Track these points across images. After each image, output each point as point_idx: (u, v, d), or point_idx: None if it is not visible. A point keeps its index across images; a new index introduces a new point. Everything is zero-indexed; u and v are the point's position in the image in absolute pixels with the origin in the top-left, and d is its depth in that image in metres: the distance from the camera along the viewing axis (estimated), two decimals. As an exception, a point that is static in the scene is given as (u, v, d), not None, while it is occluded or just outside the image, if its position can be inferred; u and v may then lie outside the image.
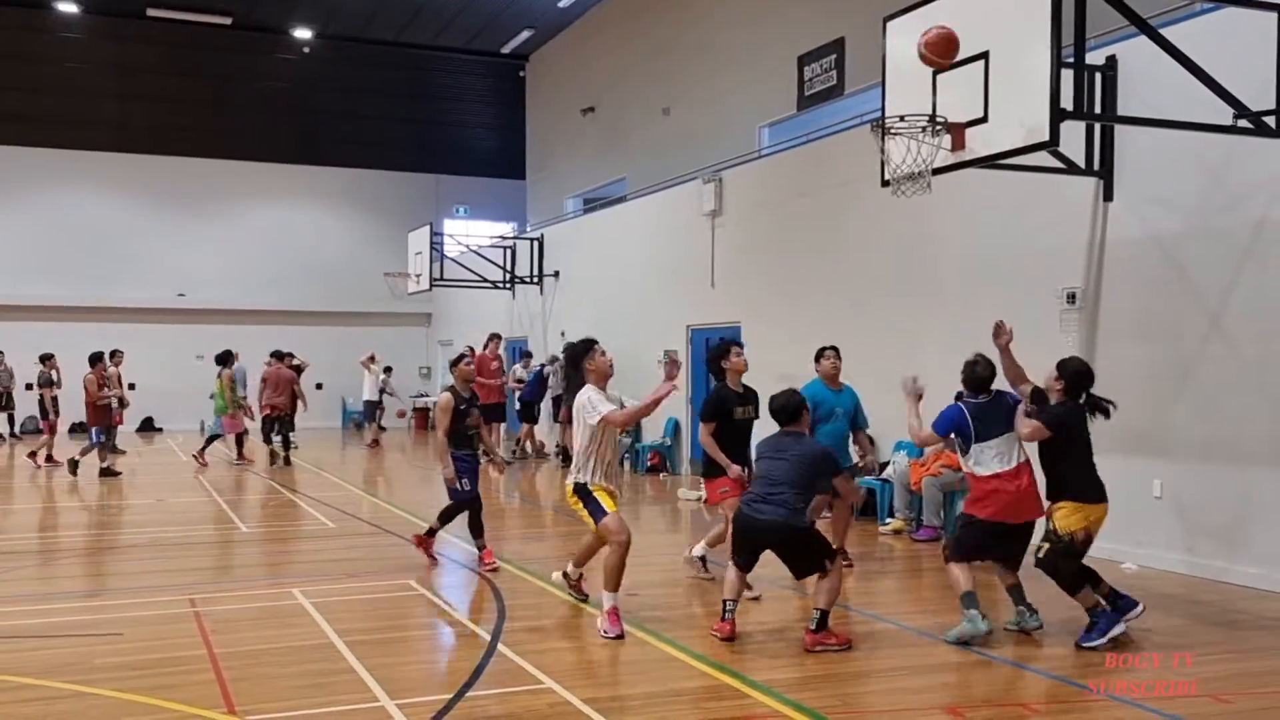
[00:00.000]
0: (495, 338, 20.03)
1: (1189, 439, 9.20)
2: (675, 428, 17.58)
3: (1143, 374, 9.56)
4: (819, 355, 9.56)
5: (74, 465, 16.69)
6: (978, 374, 7.17)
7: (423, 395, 28.43)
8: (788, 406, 7.21)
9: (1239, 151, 8.68)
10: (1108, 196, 9.95)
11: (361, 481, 16.77)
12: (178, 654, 6.59)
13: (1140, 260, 9.67)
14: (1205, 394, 9.08)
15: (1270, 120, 8.26)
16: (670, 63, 22.10)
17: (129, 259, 26.96)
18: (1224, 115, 8.17)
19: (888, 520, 11.71)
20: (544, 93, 29.08)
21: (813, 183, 14.34)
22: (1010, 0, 7.82)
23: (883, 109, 8.82)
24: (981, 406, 7.12)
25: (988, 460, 7.01)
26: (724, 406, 8.44)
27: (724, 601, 7.02)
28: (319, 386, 26.63)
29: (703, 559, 9.01)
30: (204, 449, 18.68)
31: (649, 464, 17.39)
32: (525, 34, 27.77)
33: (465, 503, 9.36)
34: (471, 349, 18.39)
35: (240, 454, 19.23)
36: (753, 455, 7.75)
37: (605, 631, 6.98)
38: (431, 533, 9.68)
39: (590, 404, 7.26)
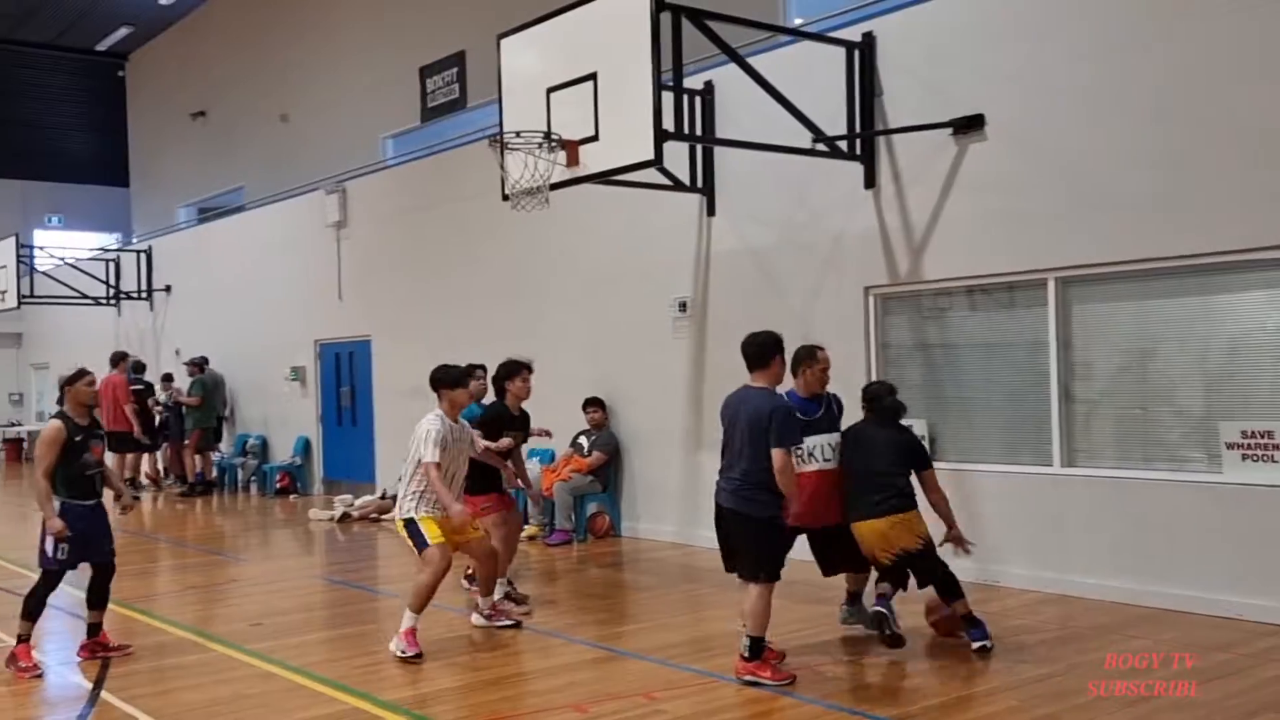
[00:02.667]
0: (124, 356, 18.14)
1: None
2: (306, 446, 16.97)
3: (745, 376, 10.33)
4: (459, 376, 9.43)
5: None
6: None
7: (14, 424, 25.65)
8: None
9: (818, 172, 9.62)
10: (710, 212, 10.70)
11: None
12: None
13: (739, 270, 10.47)
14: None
15: (842, 144, 9.23)
16: (287, 68, 21.29)
17: None
18: (804, 139, 9.03)
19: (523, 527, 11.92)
20: (147, 95, 27.08)
21: (439, 195, 14.35)
22: (615, 24, 8.20)
23: (500, 125, 9.00)
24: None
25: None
26: (503, 425, 8.25)
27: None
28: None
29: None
30: None
31: (278, 485, 16.67)
32: (123, 31, 25.67)
33: (56, 577, 6.93)
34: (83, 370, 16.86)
35: None
36: None
37: (403, 651, 6.82)
38: (22, 640, 6.87)
39: (425, 439, 7.16)
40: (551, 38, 8.73)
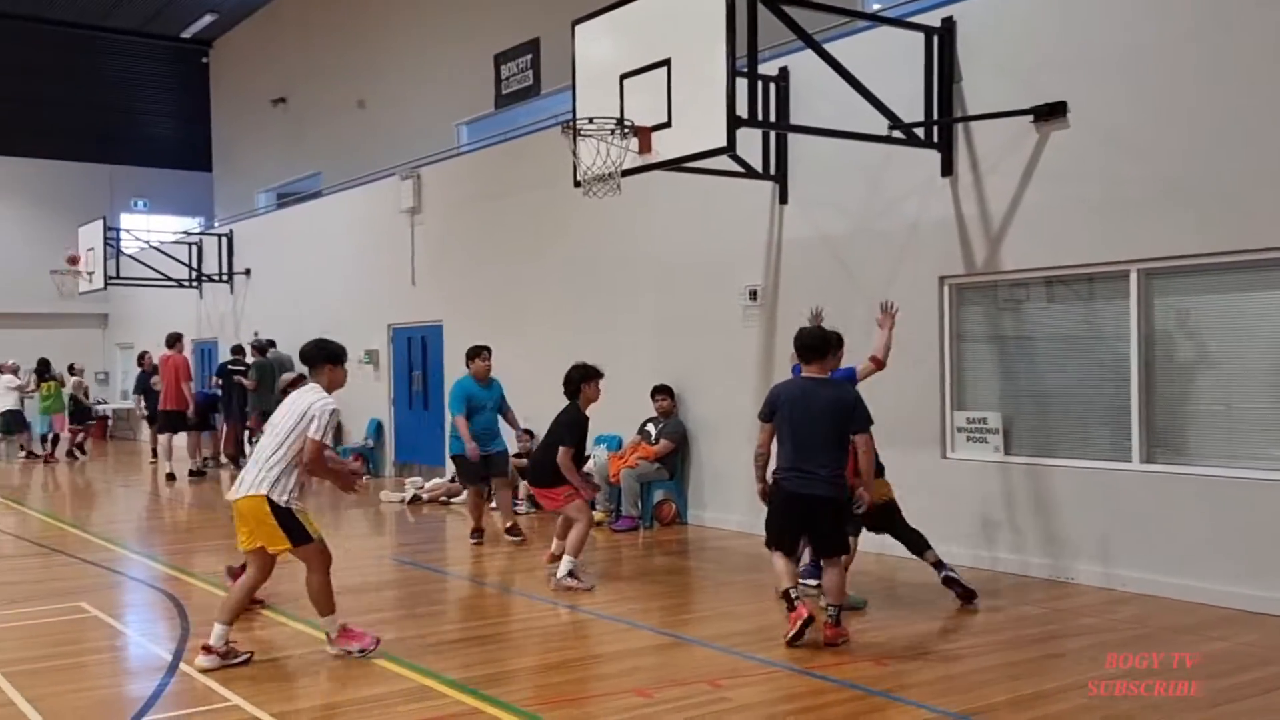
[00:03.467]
0: (179, 337, 18.59)
1: (857, 424, 9.94)
2: (378, 429, 17.21)
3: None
4: (471, 355, 10.54)
5: None
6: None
7: (100, 402, 26.35)
8: (811, 343, 6.89)
9: (894, 159, 9.49)
10: (783, 199, 10.62)
11: (25, 499, 15.36)
12: None
13: (812, 259, 10.38)
14: (868, 382, 9.81)
15: (919, 131, 9.09)
16: (365, 55, 21.58)
17: None
18: (881, 126, 8.91)
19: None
20: (230, 81, 27.64)
21: (511, 181, 14.43)
22: (689, 11, 8.18)
23: (574, 111, 9.02)
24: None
25: None
26: (583, 432, 8.69)
27: (785, 593, 6.66)
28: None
29: (572, 573, 8.40)
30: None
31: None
32: (207, 18, 26.26)
33: None
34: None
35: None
36: None
37: (362, 650, 6.43)
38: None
39: (322, 419, 6.27)
40: (626, 24, 8.72)
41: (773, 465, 6.95)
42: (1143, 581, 7.95)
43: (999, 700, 5.63)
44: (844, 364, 7.65)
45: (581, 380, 8.64)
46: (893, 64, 9.30)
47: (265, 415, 17.67)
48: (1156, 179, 7.92)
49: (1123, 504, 8.16)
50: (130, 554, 10.35)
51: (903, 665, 6.26)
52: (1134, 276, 8.14)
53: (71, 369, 22.05)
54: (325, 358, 6.57)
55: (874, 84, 8.69)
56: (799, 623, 6.49)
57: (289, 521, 6.24)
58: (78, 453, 21.07)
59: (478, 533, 10.53)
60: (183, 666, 6.36)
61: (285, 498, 6.24)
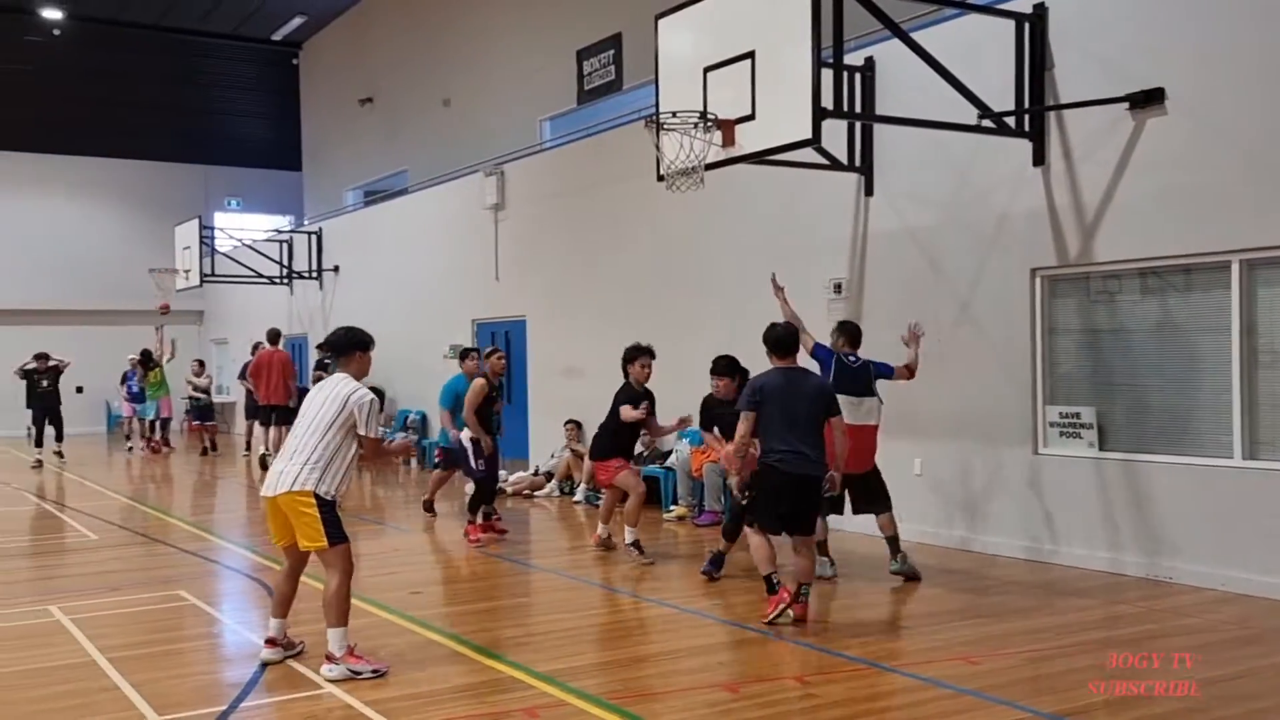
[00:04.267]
0: (279, 334, 19.04)
1: (944, 419, 9.82)
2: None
3: (902, 359, 10.12)
4: (462, 356, 11.82)
5: None
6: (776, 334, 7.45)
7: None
8: (784, 338, 7.38)
9: (983, 149, 9.31)
10: (868, 191, 10.49)
11: (128, 489, 15.85)
12: (-85, 684, 6.08)
13: (898, 251, 10.24)
14: (958, 376, 9.70)
15: (1010, 120, 8.91)
16: (449, 54, 21.84)
17: None
18: (970, 115, 8.75)
19: (671, 507, 11.98)
20: (319, 82, 28.18)
21: (594, 176, 14.49)
22: (773, 3, 8.10)
23: (656, 105, 9.01)
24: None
25: None
26: (633, 398, 9.48)
27: (768, 578, 7.13)
28: (79, 390, 24.94)
29: (636, 543, 9.36)
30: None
31: (436, 459, 17.12)
32: (297, 21, 26.80)
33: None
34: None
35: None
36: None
37: (375, 672, 6.04)
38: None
39: (369, 411, 6.15)
40: (709, 17, 8.68)
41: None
42: (1244, 581, 7.70)
43: (1094, 701, 5.50)
44: (870, 357, 8.54)
45: (626, 361, 9.61)
46: (982, 52, 9.12)
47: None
48: (1259, 167, 7.65)
49: (1223, 501, 7.91)
50: (226, 544, 10.63)
51: (994, 664, 6.15)
52: (1235, 268, 7.88)
53: (200, 367, 22.16)
54: (356, 345, 6.42)
55: (962, 72, 8.54)
56: (779, 605, 6.96)
57: (331, 517, 6.04)
58: (210, 450, 20.77)
59: (430, 506, 12.23)
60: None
61: (331, 493, 6.08)
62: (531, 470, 14.67)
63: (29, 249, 26.54)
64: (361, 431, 6.11)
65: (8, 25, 25.81)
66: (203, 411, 21.69)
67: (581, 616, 7.68)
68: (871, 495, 8.45)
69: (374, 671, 6.01)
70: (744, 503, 7.61)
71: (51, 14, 25.84)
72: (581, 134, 15.99)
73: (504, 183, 16.36)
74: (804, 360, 7.81)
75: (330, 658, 6.02)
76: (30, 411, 19.48)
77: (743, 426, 7.18)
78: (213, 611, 7.89)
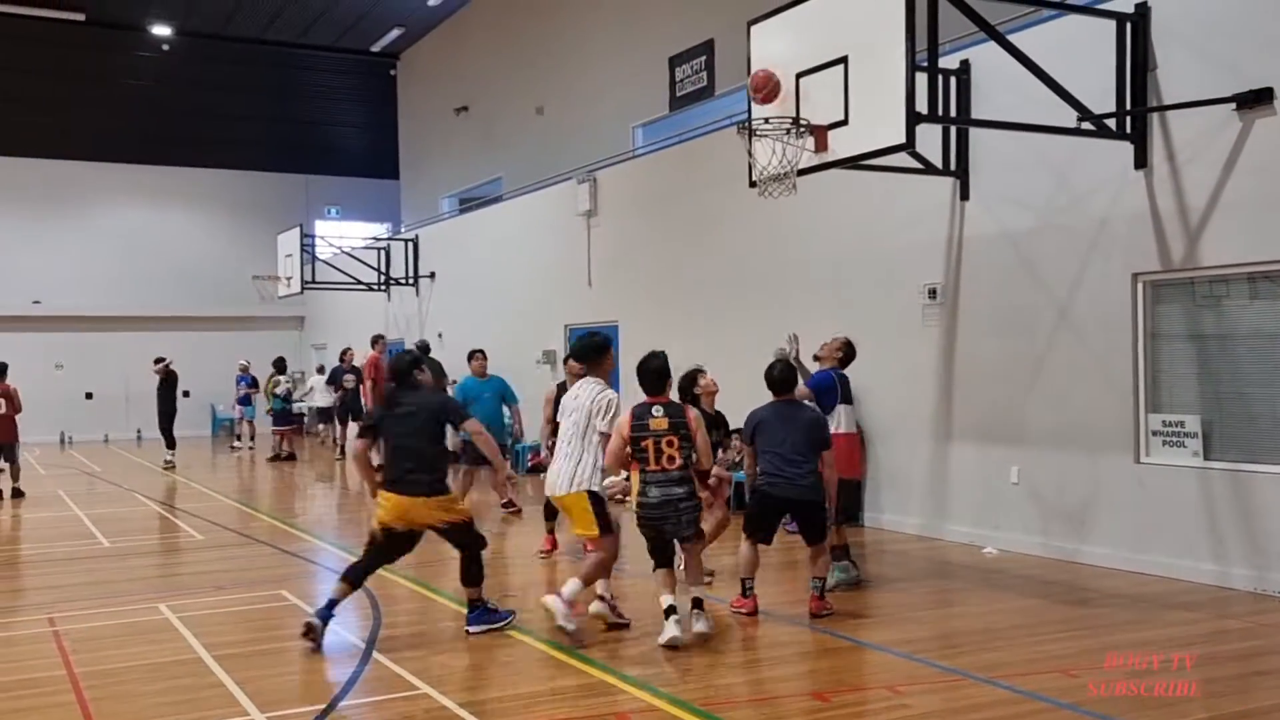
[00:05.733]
0: (381, 337, 19.47)
1: (1042, 427, 9.62)
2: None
3: (999, 365, 9.97)
4: (470, 356, 12.87)
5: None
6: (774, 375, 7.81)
7: (298, 400, 27.78)
8: (787, 377, 7.79)
9: (1082, 152, 9.12)
10: (964, 195, 10.34)
11: (234, 491, 16.35)
12: (35, 675, 6.36)
13: (995, 256, 10.07)
14: (1056, 383, 9.51)
15: (1110, 123, 8.71)
16: (543, 62, 22.10)
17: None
18: (1069, 118, 8.57)
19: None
20: (416, 91, 28.75)
21: (686, 182, 14.53)
22: (866, 7, 8.04)
23: (749, 111, 9.00)
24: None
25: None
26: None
27: (744, 580, 7.62)
28: (185, 394, 25.74)
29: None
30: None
31: (529, 464, 17.35)
32: (395, 32, 27.40)
33: None
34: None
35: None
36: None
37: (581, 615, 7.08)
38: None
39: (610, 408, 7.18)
40: (802, 21, 8.64)
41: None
42: (1361, 598, 7.41)
43: (1200, 718, 5.35)
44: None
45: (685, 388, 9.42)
46: (1081, 53, 8.94)
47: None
48: (1377, 166, 7.36)
49: (1338, 515, 7.62)
50: (327, 546, 10.90)
51: (1094, 678, 6.02)
52: (1351, 271, 7.59)
53: (282, 366, 22.03)
54: (602, 350, 7.37)
55: (1061, 74, 8.37)
56: (743, 607, 7.54)
57: (603, 510, 7.08)
58: (283, 454, 20.71)
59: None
60: (376, 655, 6.66)
61: (599, 488, 7.09)
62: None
63: (142, 257, 27.53)
64: (600, 428, 7.07)
65: (122, 42, 26.88)
66: (282, 417, 21.46)
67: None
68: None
69: (571, 624, 6.89)
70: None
71: (162, 30, 26.83)
72: (674, 140, 16.04)
73: (596, 189, 16.49)
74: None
75: (561, 597, 6.94)
76: (159, 415, 19.94)
77: (748, 460, 7.84)
78: (312, 612, 8.08)
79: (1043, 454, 9.63)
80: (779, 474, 7.47)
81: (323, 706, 5.66)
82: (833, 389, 8.65)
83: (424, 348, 18.93)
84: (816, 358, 9.20)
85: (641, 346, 14.14)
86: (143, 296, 27.27)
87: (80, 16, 25.60)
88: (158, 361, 19.92)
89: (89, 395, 26.85)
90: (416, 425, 7.10)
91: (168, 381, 19.76)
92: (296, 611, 8.05)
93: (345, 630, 7.37)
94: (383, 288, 23.45)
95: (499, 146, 24.02)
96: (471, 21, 25.27)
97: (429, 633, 7.36)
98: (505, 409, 13.13)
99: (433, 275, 22.19)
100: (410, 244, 22.90)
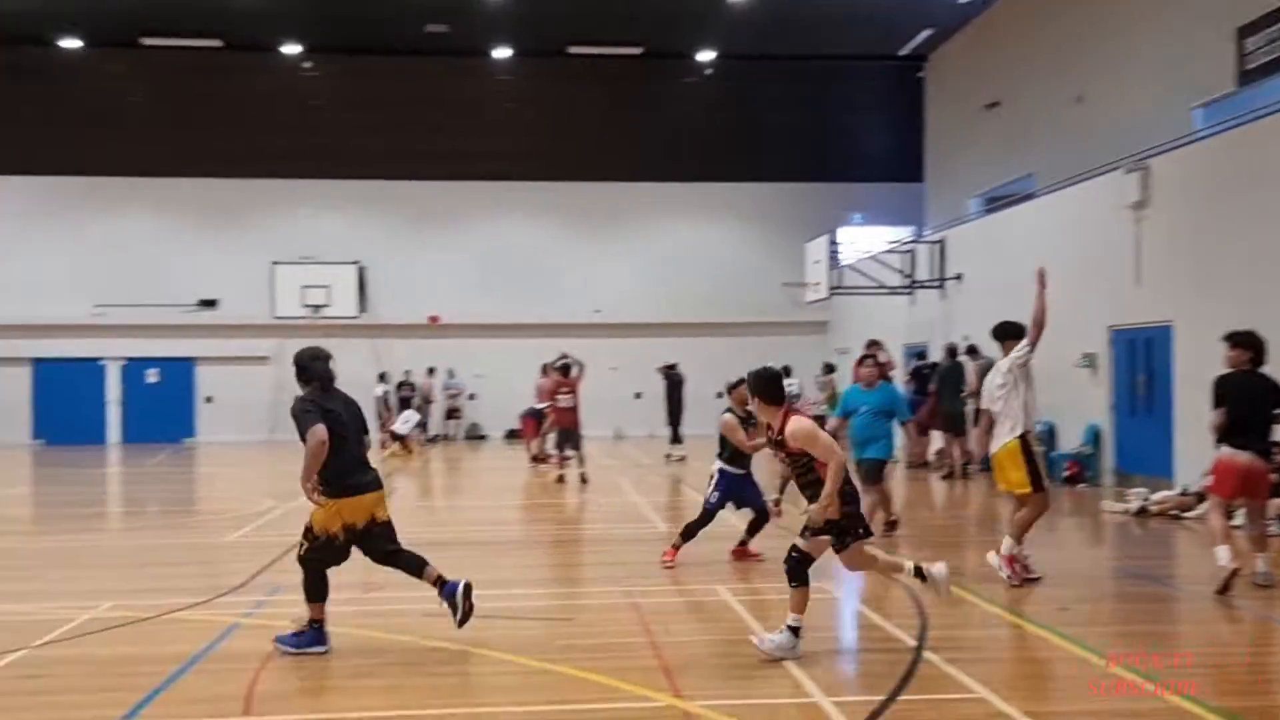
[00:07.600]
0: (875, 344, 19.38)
1: None
2: (1095, 435, 16.51)
3: None
4: (859, 361, 11.69)
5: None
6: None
7: (815, 403, 28.62)
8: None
9: None
10: None
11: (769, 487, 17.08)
12: (622, 640, 7.09)
13: None
14: None
15: None
16: (1082, 49, 20.85)
17: (549, 278, 29.37)
18: None
19: None
20: (943, 92, 28.40)
21: (1257, 168, 12.98)
22: None
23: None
24: None
25: None
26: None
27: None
28: (720, 395, 27.41)
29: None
30: None
31: (1065, 473, 16.44)
32: (924, 34, 27.31)
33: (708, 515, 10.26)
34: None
35: None
36: None
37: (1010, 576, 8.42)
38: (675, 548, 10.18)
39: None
40: None
41: None
42: None
43: None
44: None
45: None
46: None
47: (949, 417, 18.00)
48: None
49: None
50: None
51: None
52: None
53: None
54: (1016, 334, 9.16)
55: None
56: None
57: (1035, 466, 8.28)
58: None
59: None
60: (925, 654, 6.64)
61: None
62: (1178, 490, 13.50)
63: (685, 268, 29.82)
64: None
65: (673, 71, 29.39)
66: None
67: (1245, 651, 6.90)
68: None
69: (1020, 579, 8.38)
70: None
71: (705, 56, 28.91)
72: (1242, 120, 14.38)
73: (1148, 179, 15.23)
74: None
75: (1000, 553, 8.49)
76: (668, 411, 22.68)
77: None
78: (863, 608, 8.21)
79: None
80: None
81: (882, 698, 5.74)
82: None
83: (952, 350, 18.67)
84: None
85: (1199, 350, 12.92)
86: (684, 304, 29.50)
87: (636, 51, 28.30)
88: (670, 367, 21.95)
89: (638, 395, 29.49)
90: None
91: (672, 382, 21.67)
92: (839, 604, 8.23)
93: (891, 627, 7.43)
94: (907, 291, 23.41)
95: (1031, 141, 23.01)
96: (1004, 13, 24.47)
97: (971, 637, 7.22)
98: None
99: (959, 277, 21.77)
100: (936, 246, 22.64)
